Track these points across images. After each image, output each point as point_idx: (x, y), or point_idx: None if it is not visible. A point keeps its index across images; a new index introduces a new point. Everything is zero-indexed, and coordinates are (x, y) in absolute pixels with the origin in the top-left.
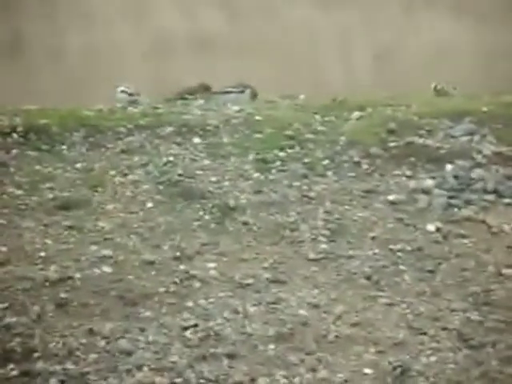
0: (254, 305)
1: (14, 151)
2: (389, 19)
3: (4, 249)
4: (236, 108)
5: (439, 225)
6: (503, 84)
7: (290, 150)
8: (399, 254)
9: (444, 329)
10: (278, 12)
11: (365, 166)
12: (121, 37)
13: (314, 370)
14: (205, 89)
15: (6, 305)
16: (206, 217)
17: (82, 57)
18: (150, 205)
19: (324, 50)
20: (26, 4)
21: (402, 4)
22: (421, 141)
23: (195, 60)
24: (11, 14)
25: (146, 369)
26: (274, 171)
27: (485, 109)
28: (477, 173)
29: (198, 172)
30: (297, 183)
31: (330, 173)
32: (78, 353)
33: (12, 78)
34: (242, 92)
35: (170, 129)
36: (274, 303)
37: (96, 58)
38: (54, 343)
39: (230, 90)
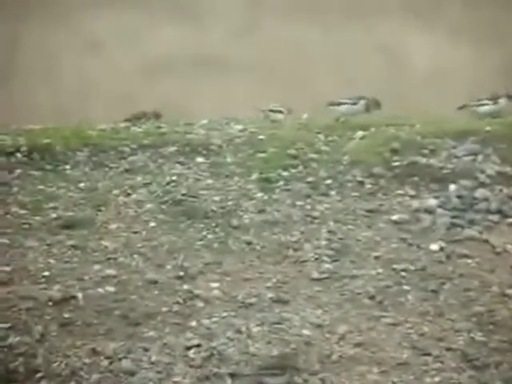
0: (258, 324)
1: (18, 171)
2: (385, 42)
3: (7, 268)
4: (239, 127)
5: (443, 244)
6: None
7: (293, 170)
8: (403, 273)
9: (448, 349)
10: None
11: (368, 186)
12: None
13: None
14: (156, 116)
15: (9, 324)
16: (210, 236)
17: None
18: (153, 224)
19: (316, 67)
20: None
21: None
22: (424, 160)
23: (197, 79)
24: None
25: None
26: (277, 191)
27: (488, 128)
28: (480, 193)
29: (201, 191)
30: (300, 203)
31: (333, 192)
32: (81, 373)
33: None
34: (355, 104)
35: (173, 148)
36: (277, 323)
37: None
38: (57, 363)
39: (343, 101)
